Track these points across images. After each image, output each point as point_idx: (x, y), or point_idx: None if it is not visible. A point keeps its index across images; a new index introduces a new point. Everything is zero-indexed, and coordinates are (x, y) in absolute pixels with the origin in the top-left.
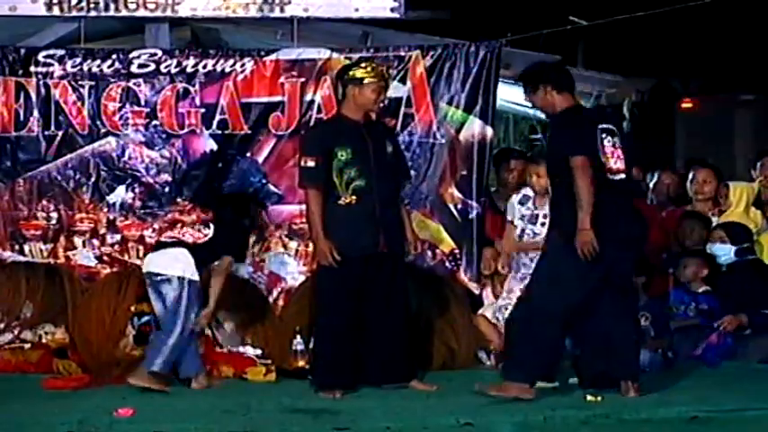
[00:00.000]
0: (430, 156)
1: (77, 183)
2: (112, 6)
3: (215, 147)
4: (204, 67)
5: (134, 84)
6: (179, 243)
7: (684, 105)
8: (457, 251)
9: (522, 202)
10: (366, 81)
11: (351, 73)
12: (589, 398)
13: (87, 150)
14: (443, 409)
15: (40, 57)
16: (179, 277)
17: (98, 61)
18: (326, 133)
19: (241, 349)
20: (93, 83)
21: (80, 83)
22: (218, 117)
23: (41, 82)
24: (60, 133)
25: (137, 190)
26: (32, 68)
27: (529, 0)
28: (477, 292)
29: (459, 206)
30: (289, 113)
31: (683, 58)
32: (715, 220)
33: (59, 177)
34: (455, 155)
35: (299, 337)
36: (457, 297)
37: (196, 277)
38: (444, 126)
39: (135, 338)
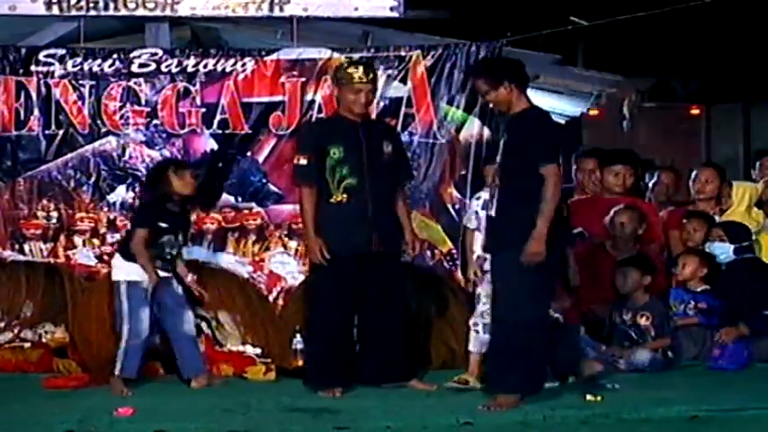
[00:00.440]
0: (430, 156)
1: (78, 182)
2: (112, 6)
3: (215, 146)
4: (205, 66)
5: (135, 83)
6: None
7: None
8: (455, 251)
9: (484, 207)
10: (348, 82)
11: (338, 74)
12: (589, 397)
13: (88, 150)
14: (443, 409)
15: (41, 56)
16: (116, 281)
17: (99, 61)
18: (320, 132)
19: (241, 348)
20: (93, 82)
21: (81, 82)
22: (218, 117)
23: (42, 81)
24: (61, 132)
25: (137, 189)
26: (33, 68)
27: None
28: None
29: (457, 206)
30: (289, 113)
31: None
32: (716, 220)
33: (60, 177)
34: (455, 155)
35: (298, 336)
36: (456, 297)
37: (136, 278)
38: (444, 126)
39: None
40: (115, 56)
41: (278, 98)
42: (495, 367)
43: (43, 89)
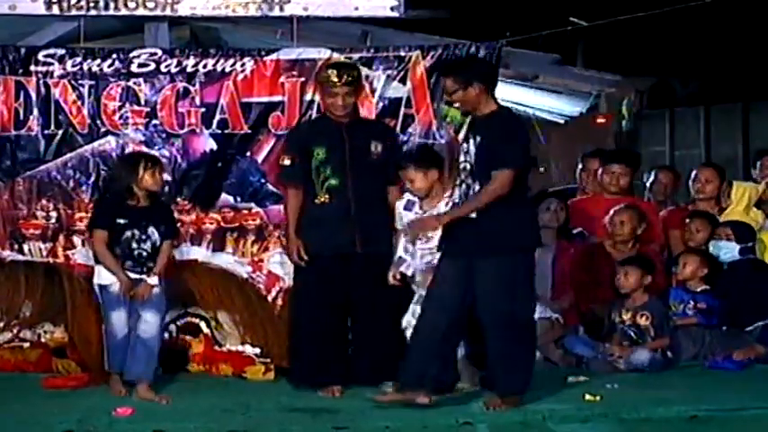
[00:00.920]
0: None
1: (77, 182)
2: (112, 5)
3: (215, 146)
4: (204, 66)
5: (134, 83)
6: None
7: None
8: None
9: (407, 208)
10: (326, 85)
11: (318, 76)
12: (588, 397)
13: (87, 150)
14: (443, 409)
15: (41, 56)
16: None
17: (98, 60)
18: (305, 133)
19: (240, 348)
20: (93, 82)
21: (80, 82)
22: (218, 117)
23: (41, 81)
24: (60, 132)
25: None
26: (32, 67)
27: None
28: None
29: None
30: (289, 113)
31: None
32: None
33: (59, 176)
34: (454, 155)
35: None
36: None
37: (103, 281)
38: (444, 127)
39: None
40: (114, 56)
41: (277, 98)
42: (496, 369)
43: (42, 89)
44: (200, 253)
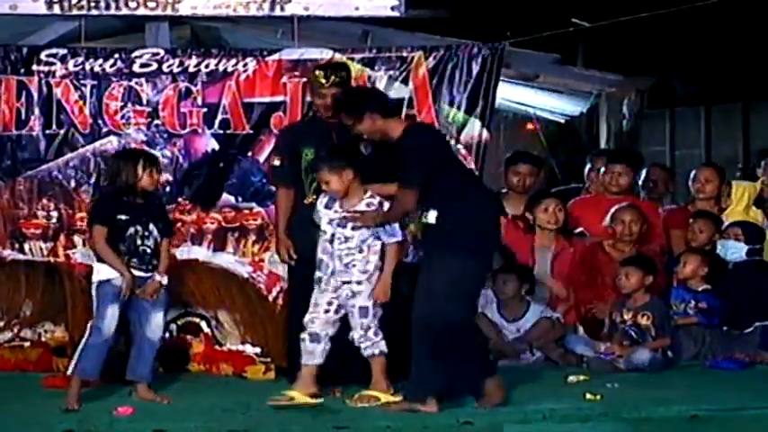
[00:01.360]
0: None
1: (78, 182)
2: (113, 5)
3: (216, 146)
4: (206, 66)
5: (136, 83)
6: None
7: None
8: None
9: (328, 206)
10: (314, 86)
11: (309, 77)
12: (588, 396)
13: (88, 149)
14: (443, 409)
15: (43, 56)
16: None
17: (100, 60)
18: (296, 134)
19: (240, 347)
20: (95, 82)
21: (82, 82)
22: (219, 117)
23: (43, 81)
24: (62, 132)
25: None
26: (34, 67)
27: None
28: None
29: None
30: (291, 113)
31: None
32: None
33: (60, 176)
34: None
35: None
36: None
37: (102, 276)
38: (446, 127)
39: None
40: (117, 56)
41: (279, 98)
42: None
43: (44, 89)
44: (200, 252)
